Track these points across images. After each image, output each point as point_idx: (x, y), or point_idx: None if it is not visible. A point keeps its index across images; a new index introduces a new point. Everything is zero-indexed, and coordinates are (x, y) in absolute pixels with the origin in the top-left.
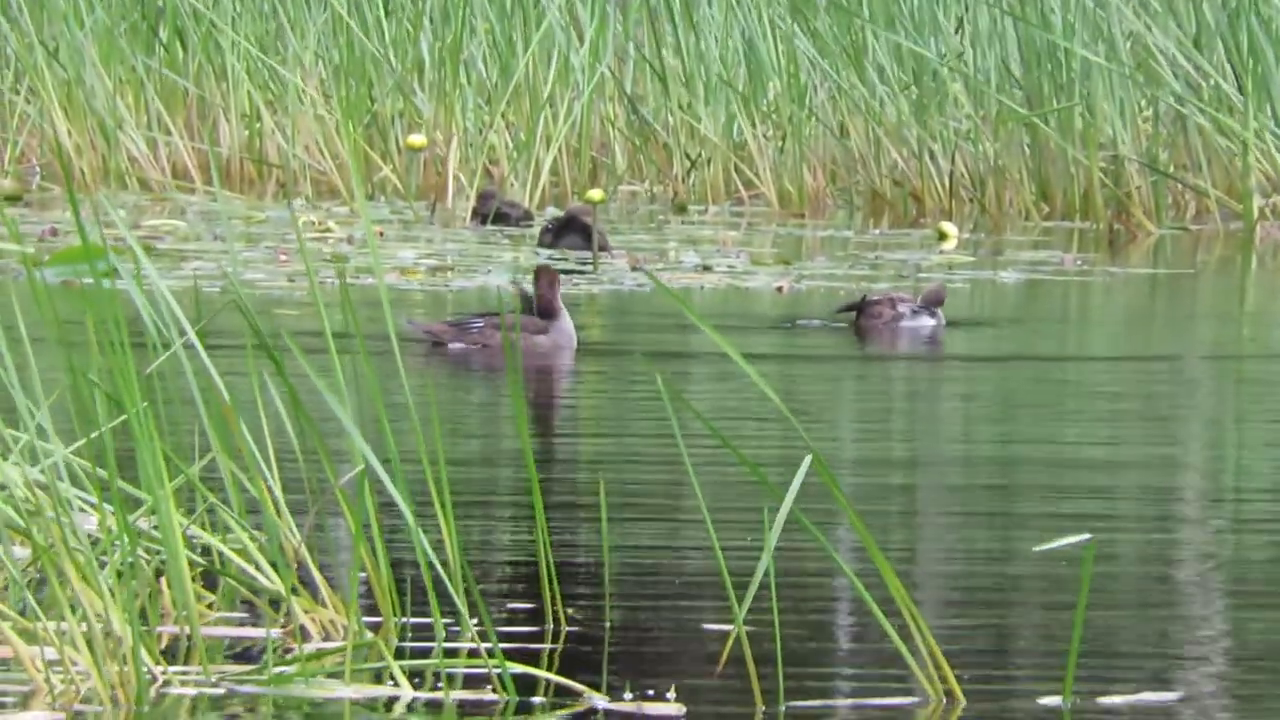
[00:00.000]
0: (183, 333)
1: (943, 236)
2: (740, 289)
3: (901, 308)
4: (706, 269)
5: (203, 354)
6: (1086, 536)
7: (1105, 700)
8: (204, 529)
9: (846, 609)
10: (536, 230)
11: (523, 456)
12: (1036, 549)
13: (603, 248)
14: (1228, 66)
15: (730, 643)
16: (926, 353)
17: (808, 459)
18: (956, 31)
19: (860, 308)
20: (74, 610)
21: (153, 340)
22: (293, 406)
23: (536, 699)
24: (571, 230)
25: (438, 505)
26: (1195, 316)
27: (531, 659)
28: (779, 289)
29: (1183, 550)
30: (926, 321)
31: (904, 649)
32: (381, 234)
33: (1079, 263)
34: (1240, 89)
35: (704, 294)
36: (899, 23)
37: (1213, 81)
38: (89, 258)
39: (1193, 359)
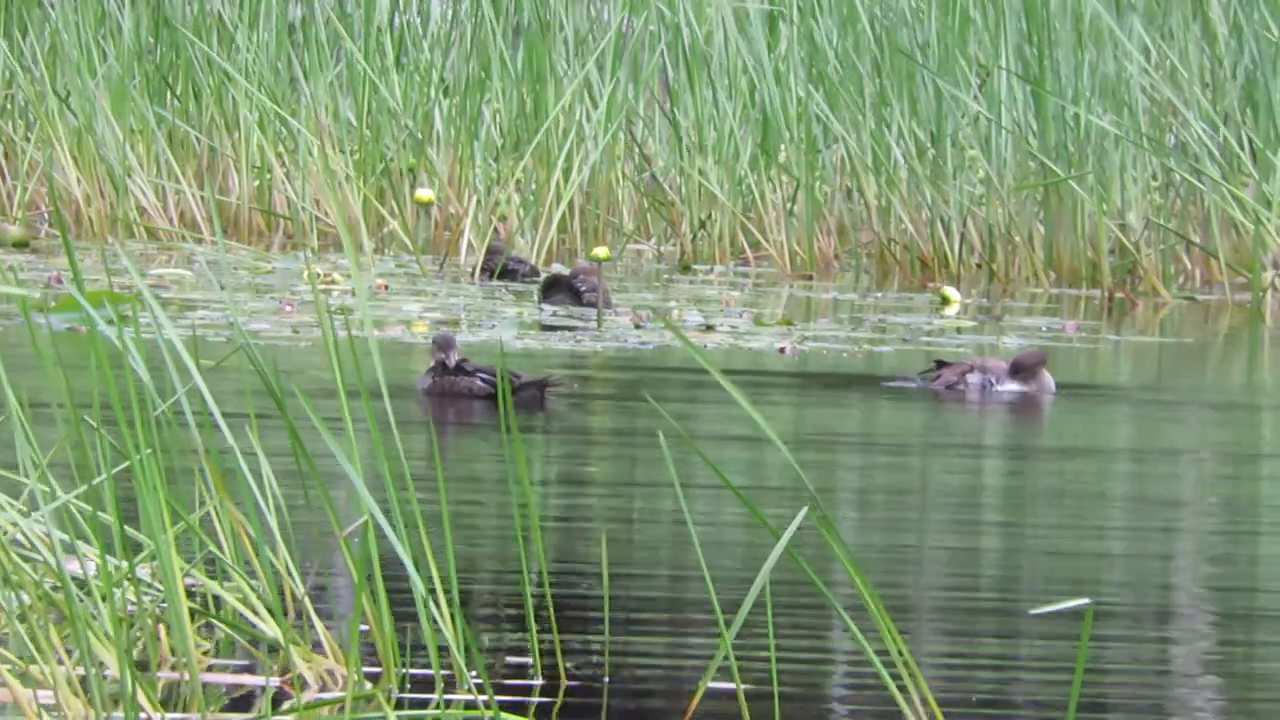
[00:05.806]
0: (189, 379)
1: (945, 301)
2: (743, 349)
3: (973, 378)
4: (709, 328)
5: (208, 397)
6: (1086, 600)
7: None
8: (204, 575)
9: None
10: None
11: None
12: (1034, 611)
13: (590, 304)
14: (1244, 136)
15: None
16: (949, 436)
17: (804, 509)
18: (974, 97)
19: (937, 372)
20: (70, 654)
21: (149, 389)
22: (297, 453)
23: None
24: (558, 289)
25: (432, 562)
26: (1201, 397)
27: (529, 711)
28: (782, 350)
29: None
30: (1010, 387)
31: (904, 705)
32: (386, 287)
33: (1080, 330)
34: (1254, 159)
35: (708, 354)
36: (923, 78)
37: (1221, 138)
38: (93, 305)
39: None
